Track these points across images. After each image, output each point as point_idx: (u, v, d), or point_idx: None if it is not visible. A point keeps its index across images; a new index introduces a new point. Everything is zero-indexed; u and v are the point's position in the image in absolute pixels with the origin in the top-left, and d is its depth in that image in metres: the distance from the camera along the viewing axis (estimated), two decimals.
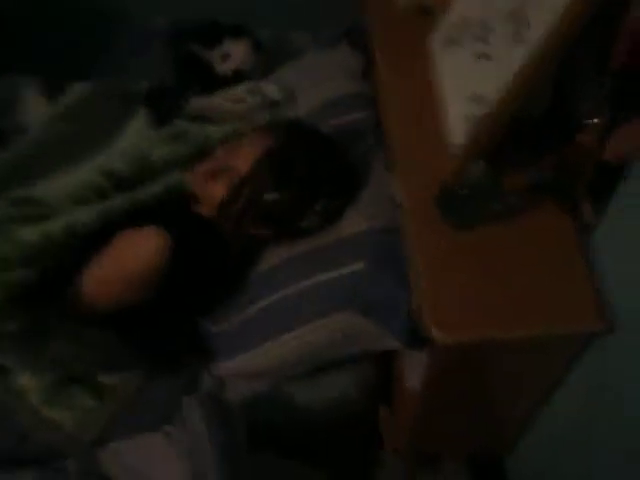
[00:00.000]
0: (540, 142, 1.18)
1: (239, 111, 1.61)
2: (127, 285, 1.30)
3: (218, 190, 1.36)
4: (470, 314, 1.13)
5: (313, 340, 1.30)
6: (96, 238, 1.33)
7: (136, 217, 1.35)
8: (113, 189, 1.41)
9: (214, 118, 1.58)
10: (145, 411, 1.34)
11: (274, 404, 1.42)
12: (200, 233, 1.38)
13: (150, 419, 1.32)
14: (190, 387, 1.38)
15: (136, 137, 1.50)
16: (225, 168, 1.36)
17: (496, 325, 1.13)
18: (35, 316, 1.28)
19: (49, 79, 1.62)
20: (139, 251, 1.29)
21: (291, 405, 1.42)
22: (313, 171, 1.34)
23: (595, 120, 1.06)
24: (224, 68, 1.74)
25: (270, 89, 1.64)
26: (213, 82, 1.73)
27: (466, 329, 1.13)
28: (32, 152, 1.46)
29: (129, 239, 1.32)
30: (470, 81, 1.22)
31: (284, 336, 1.31)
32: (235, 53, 1.74)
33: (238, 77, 1.74)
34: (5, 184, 1.40)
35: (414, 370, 1.30)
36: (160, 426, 1.30)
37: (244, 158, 1.34)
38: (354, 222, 1.35)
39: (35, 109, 1.56)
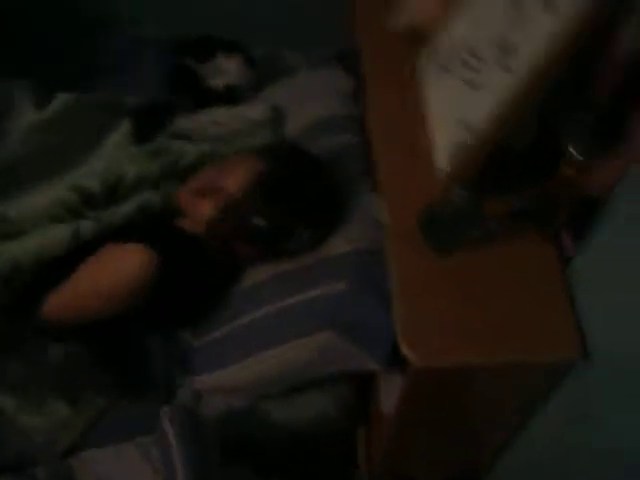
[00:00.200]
0: (523, 173, 1.19)
1: (222, 133, 1.62)
2: (105, 301, 1.30)
3: (206, 208, 1.37)
4: (448, 339, 1.13)
5: (293, 358, 1.29)
6: (70, 257, 1.33)
7: (115, 234, 1.35)
8: (86, 207, 1.40)
9: (197, 138, 1.59)
10: (120, 421, 1.34)
11: (252, 420, 1.42)
12: (183, 247, 1.38)
13: (124, 429, 1.31)
14: (166, 400, 1.38)
15: (115, 152, 1.50)
16: (214, 187, 1.37)
17: (473, 350, 1.13)
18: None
19: (41, 87, 1.61)
20: (121, 267, 1.29)
21: (269, 422, 1.42)
22: (302, 196, 1.35)
23: (577, 153, 1.07)
24: (216, 83, 1.75)
25: (255, 111, 1.65)
26: (205, 96, 1.74)
27: (443, 354, 1.13)
28: (10, 165, 1.43)
29: (112, 255, 1.32)
30: (457, 107, 1.22)
31: (265, 353, 1.31)
32: (228, 68, 1.75)
33: (230, 93, 1.74)
34: None
35: (390, 396, 1.30)
36: (134, 436, 1.30)
37: (234, 180, 1.35)
38: (340, 243, 1.35)
39: (22, 117, 1.55)
